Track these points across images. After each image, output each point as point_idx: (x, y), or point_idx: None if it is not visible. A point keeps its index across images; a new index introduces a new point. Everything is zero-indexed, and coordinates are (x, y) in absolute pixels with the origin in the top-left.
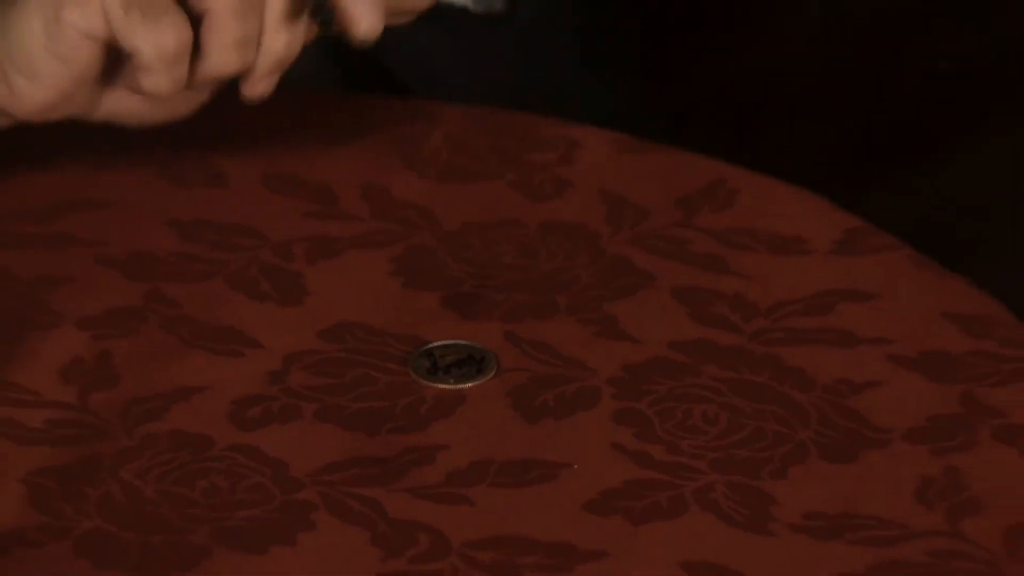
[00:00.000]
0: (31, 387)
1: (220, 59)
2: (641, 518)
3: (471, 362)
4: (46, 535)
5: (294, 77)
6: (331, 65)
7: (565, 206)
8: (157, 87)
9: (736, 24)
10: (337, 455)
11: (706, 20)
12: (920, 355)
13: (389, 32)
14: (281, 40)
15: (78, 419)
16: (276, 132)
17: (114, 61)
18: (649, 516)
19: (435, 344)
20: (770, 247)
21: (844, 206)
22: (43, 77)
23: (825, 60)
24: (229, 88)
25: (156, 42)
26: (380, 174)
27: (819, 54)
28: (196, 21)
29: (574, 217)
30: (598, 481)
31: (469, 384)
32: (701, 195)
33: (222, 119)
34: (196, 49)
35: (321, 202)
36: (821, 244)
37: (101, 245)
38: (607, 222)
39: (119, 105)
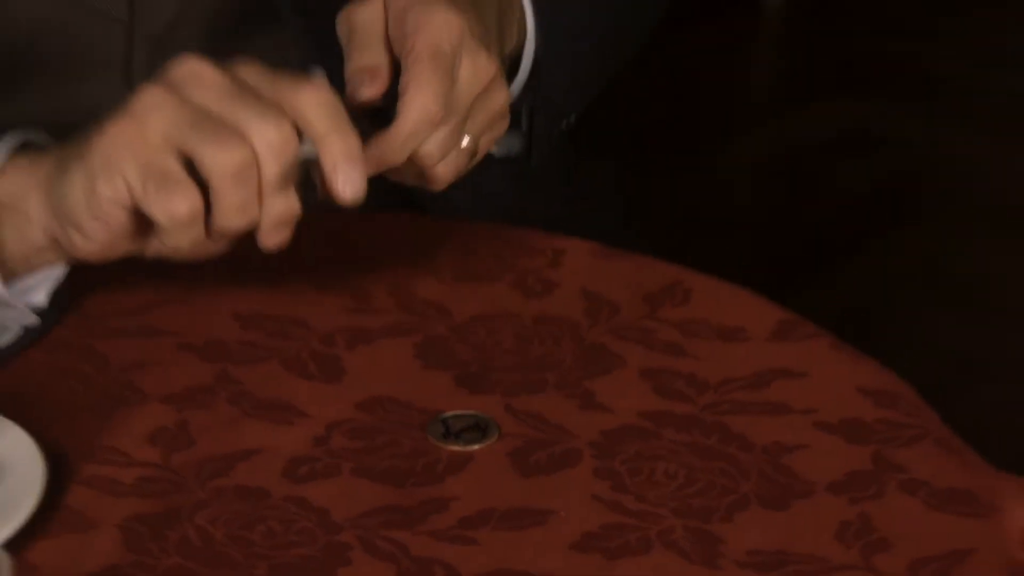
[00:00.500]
0: (124, 451)
1: (226, 220)
2: (615, 555)
3: (478, 429)
4: (137, 570)
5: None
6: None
7: (552, 302)
8: (176, 245)
9: (686, 162)
10: (370, 504)
11: (666, 157)
12: (839, 422)
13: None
14: (278, 204)
15: (162, 476)
16: (323, 244)
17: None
18: (622, 553)
19: (448, 414)
20: (718, 335)
21: (777, 301)
22: (87, 232)
23: (758, 187)
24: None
25: (169, 210)
26: (404, 277)
27: (754, 180)
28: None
29: (560, 311)
30: (580, 525)
31: (476, 446)
32: (662, 293)
33: None
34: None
35: (358, 299)
36: (759, 332)
37: (181, 335)
38: (586, 315)
39: (162, 248)
